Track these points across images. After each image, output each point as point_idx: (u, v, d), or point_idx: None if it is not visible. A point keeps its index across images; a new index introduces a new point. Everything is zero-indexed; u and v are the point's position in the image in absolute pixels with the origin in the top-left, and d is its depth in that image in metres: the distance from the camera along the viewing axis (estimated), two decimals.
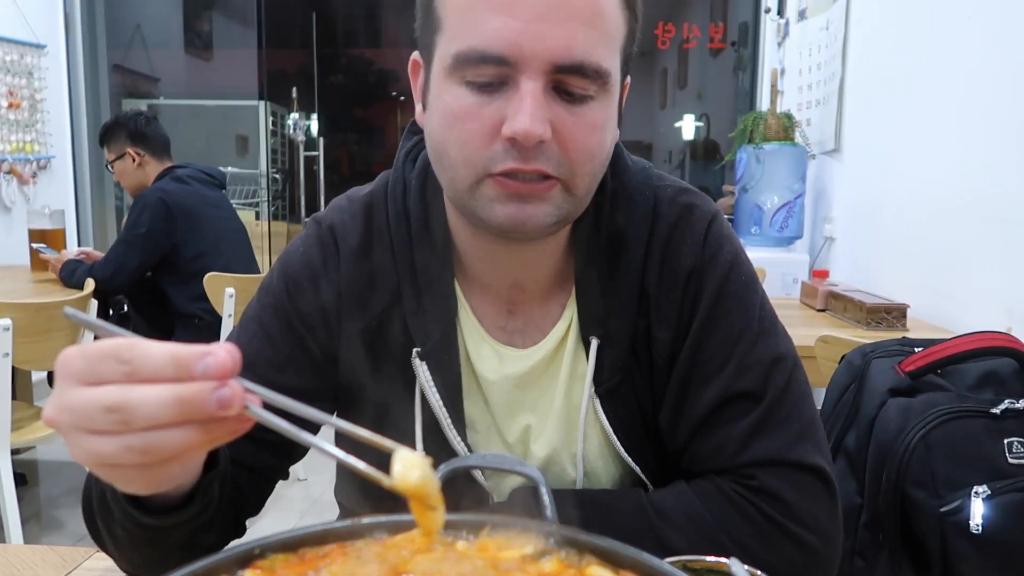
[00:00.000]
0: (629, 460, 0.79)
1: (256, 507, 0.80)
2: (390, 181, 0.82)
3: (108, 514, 0.63)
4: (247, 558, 0.50)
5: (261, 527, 2.74)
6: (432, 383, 0.77)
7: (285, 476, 0.83)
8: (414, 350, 0.77)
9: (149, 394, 0.43)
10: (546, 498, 0.57)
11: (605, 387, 0.78)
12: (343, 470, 0.90)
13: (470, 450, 0.79)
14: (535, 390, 0.80)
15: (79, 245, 4.33)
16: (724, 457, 0.73)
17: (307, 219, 5.51)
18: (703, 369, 0.75)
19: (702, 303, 0.76)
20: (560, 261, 0.80)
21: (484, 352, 0.79)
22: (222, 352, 0.44)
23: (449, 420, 0.78)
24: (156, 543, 0.63)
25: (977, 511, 0.95)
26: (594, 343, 0.77)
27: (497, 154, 0.66)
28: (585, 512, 0.73)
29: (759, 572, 0.61)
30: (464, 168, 0.68)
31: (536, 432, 0.81)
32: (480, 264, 0.79)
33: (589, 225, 0.77)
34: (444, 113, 0.68)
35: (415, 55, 0.75)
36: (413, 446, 0.78)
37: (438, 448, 0.79)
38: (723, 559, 0.59)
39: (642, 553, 0.49)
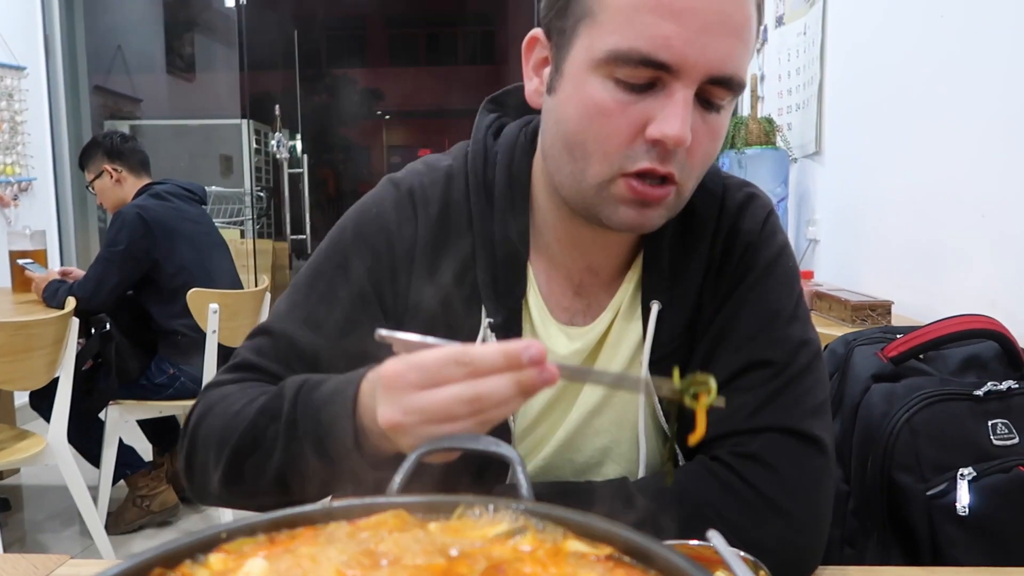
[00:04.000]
0: (667, 429, 0.79)
1: None
2: (470, 153, 0.82)
3: (256, 454, 0.70)
4: (212, 542, 0.48)
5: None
6: None
7: None
8: (486, 321, 0.78)
9: (497, 384, 0.55)
10: (521, 477, 0.56)
11: (658, 354, 0.78)
12: None
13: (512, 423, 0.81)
14: (591, 359, 0.81)
15: (62, 266, 4.30)
16: (734, 421, 0.74)
17: (290, 234, 5.42)
18: (734, 336, 0.77)
19: (749, 275, 0.78)
20: (634, 242, 0.81)
21: (551, 331, 0.81)
22: (537, 345, 0.55)
23: None
24: (287, 493, 0.70)
25: (963, 494, 0.94)
26: (655, 308, 0.78)
27: (637, 153, 0.68)
28: (567, 500, 0.72)
29: (743, 552, 0.61)
30: (600, 163, 0.69)
31: (579, 398, 0.81)
32: (557, 244, 0.80)
33: None
34: (586, 105, 0.68)
35: (536, 32, 0.75)
36: None
37: None
38: (707, 543, 0.58)
39: (616, 524, 0.48)
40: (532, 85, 0.77)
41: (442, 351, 0.56)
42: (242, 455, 0.72)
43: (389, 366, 0.58)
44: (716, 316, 0.78)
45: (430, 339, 0.60)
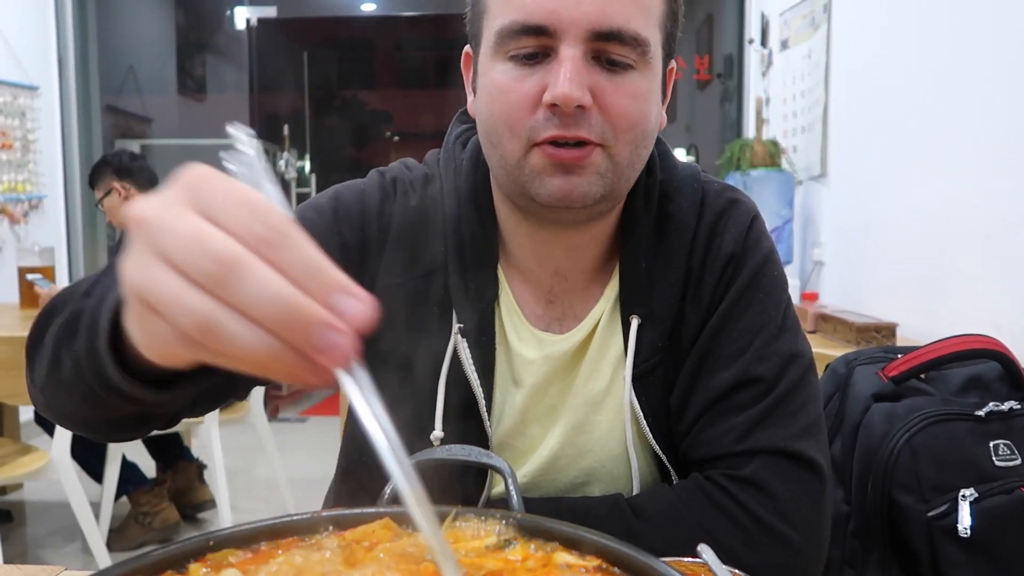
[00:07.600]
0: (656, 447, 0.78)
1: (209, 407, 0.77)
2: (441, 160, 0.84)
3: (71, 341, 0.55)
4: (200, 550, 0.48)
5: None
6: (471, 361, 0.77)
7: (241, 396, 0.83)
8: (456, 326, 0.78)
9: (269, 276, 0.34)
10: (512, 488, 0.56)
11: (640, 369, 0.77)
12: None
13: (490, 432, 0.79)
14: (568, 372, 0.80)
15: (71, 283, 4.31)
16: (726, 442, 0.73)
17: None
18: (722, 352, 0.76)
19: (733, 288, 0.77)
20: (604, 251, 0.80)
21: (523, 335, 0.80)
22: (367, 305, 0.36)
23: (484, 402, 0.78)
24: (100, 406, 0.56)
25: (965, 515, 0.93)
26: (635, 322, 0.77)
27: (540, 122, 0.68)
28: (561, 514, 0.71)
29: (738, 571, 0.60)
30: (511, 140, 0.70)
31: (560, 414, 0.80)
32: (523, 250, 0.80)
33: (639, 207, 0.78)
34: (490, 89, 0.71)
35: (467, 48, 0.78)
36: (431, 422, 0.78)
37: (458, 427, 0.78)
38: (699, 559, 0.57)
39: (604, 536, 0.47)
40: (470, 99, 0.79)
41: (262, 198, 0.37)
42: (61, 336, 0.57)
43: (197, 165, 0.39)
44: (701, 331, 0.77)
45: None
